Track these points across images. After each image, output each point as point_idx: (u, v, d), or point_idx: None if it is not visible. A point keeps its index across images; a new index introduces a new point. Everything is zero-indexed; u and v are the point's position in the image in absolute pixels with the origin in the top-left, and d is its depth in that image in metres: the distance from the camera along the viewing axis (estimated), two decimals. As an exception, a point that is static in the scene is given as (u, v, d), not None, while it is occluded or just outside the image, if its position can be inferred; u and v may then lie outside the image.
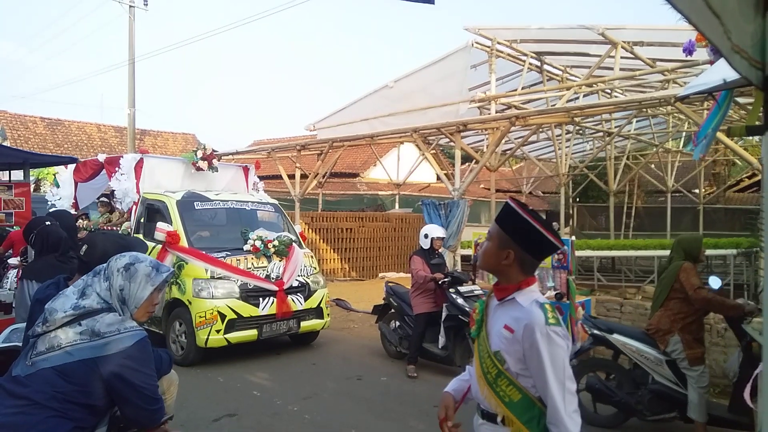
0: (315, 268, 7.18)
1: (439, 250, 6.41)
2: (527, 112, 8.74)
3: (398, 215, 16.23)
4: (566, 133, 14.01)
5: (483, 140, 14.86)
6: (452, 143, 10.55)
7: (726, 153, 17.38)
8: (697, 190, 18.00)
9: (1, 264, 6.14)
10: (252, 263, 6.44)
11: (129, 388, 2.16)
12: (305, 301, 6.71)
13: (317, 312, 6.89)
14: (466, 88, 10.94)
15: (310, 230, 13.40)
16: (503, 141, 11.33)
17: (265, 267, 6.50)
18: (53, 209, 7.92)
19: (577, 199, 20.54)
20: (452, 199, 8.69)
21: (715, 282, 4.23)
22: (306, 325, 6.77)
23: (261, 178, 9.49)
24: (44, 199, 9.15)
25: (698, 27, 1.11)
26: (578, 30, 9.36)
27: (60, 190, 8.92)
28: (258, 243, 6.53)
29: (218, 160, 8.43)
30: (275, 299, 6.37)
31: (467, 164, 14.56)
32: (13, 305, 5.11)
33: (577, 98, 10.05)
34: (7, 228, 6.95)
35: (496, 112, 9.66)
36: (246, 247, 6.51)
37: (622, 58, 9.62)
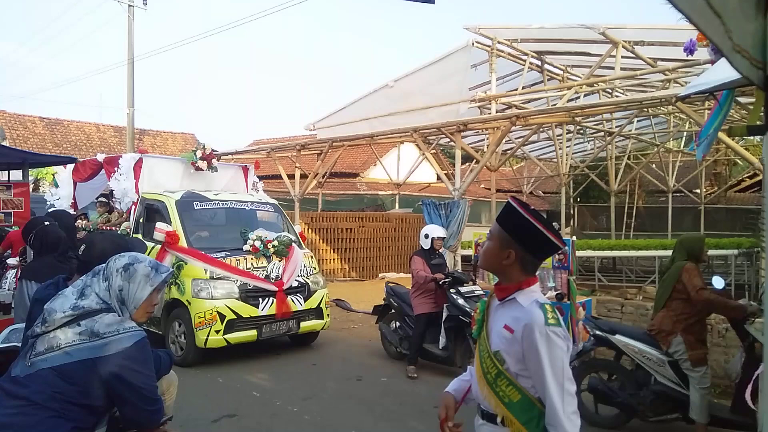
0: (315, 269, 7.17)
1: (440, 251, 6.40)
2: (528, 112, 8.72)
3: (398, 215, 16.22)
4: (567, 133, 14.01)
5: (483, 140, 14.85)
6: (452, 143, 10.55)
7: (727, 153, 17.39)
8: (698, 190, 18.01)
9: (0, 264, 6.13)
10: (251, 263, 6.43)
11: (128, 388, 2.15)
12: (305, 301, 6.69)
13: (317, 312, 6.88)
14: (467, 87, 10.93)
15: (310, 230, 13.39)
16: (504, 141, 11.31)
17: (265, 267, 6.49)
18: (52, 209, 7.91)
19: (578, 199, 20.55)
20: (452, 199, 8.68)
21: (718, 282, 4.22)
22: (306, 325, 6.76)
23: (260, 178, 9.48)
24: (43, 199, 9.14)
25: (699, 26, 1.10)
26: (579, 29, 9.35)
27: (59, 190, 8.91)
28: (257, 243, 6.51)
29: (217, 160, 8.42)
30: (275, 299, 6.36)
31: (467, 164, 14.55)
32: (12, 305, 5.10)
33: (578, 98, 10.03)
34: (5, 228, 6.94)
35: (497, 112, 9.64)
36: (245, 248, 6.50)
37: (622, 57, 9.62)
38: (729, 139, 7.31)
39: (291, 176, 12.17)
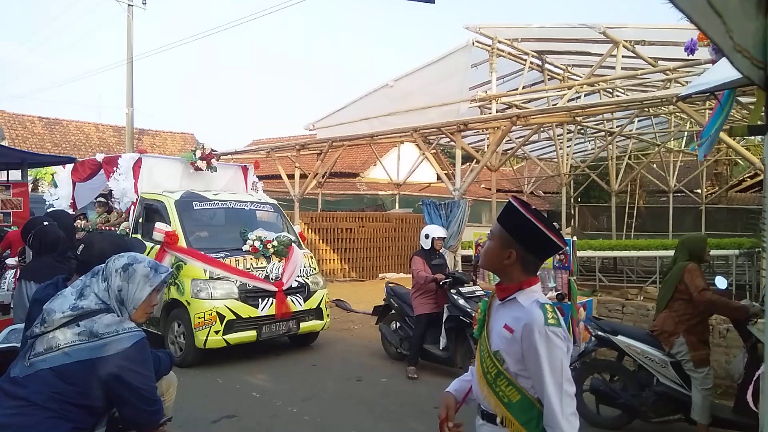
0: (314, 269, 7.15)
1: (440, 251, 6.38)
2: (528, 112, 8.72)
3: (398, 215, 16.21)
4: (567, 133, 14.01)
5: (484, 140, 14.84)
6: (453, 143, 10.53)
7: (728, 153, 17.39)
8: (699, 190, 18.00)
9: None
10: (251, 264, 6.41)
11: (127, 389, 2.14)
12: (305, 301, 6.68)
13: (317, 313, 6.86)
14: (467, 87, 10.92)
15: (310, 230, 13.38)
16: (504, 140, 11.30)
17: (265, 267, 6.48)
18: (51, 209, 7.90)
19: (579, 199, 20.55)
20: (453, 199, 8.67)
21: (721, 282, 4.21)
22: (306, 325, 6.75)
23: (260, 177, 9.46)
24: (42, 199, 9.13)
25: (700, 26, 1.10)
26: (579, 29, 9.34)
27: (58, 190, 8.90)
28: (257, 243, 6.50)
29: (217, 160, 8.41)
30: (274, 300, 6.35)
31: (468, 164, 14.54)
32: (11, 306, 5.09)
33: (579, 97, 10.03)
34: (4, 228, 6.92)
35: (497, 112, 9.64)
36: (245, 248, 6.49)
37: (623, 57, 9.62)
38: (730, 139, 7.30)
39: (291, 176, 12.16)
